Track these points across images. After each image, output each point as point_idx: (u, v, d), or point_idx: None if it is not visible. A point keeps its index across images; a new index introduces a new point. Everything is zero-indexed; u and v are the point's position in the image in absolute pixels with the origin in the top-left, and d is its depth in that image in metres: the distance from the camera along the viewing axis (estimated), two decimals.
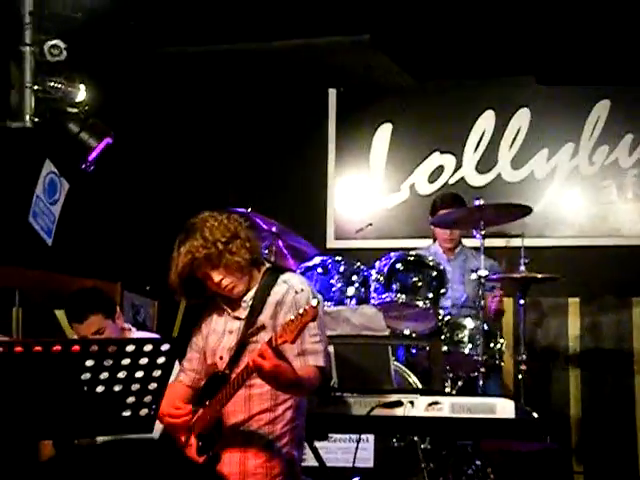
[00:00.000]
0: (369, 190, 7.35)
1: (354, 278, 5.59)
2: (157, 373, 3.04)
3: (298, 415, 3.73)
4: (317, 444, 4.51)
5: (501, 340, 5.79)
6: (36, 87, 4.87)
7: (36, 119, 4.88)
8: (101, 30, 5.80)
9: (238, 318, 3.74)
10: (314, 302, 3.36)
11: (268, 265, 3.85)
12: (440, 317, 5.64)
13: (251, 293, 3.73)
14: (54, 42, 4.82)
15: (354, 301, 5.53)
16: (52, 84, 4.90)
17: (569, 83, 6.85)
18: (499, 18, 6.05)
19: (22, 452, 4.08)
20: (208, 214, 3.74)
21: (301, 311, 3.32)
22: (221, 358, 3.73)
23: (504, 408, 4.10)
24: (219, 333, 3.78)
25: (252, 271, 3.74)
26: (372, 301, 5.53)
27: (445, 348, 5.60)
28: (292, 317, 3.33)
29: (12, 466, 3.89)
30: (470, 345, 5.65)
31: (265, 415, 3.66)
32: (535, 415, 5.43)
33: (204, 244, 3.60)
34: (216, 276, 3.66)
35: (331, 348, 4.81)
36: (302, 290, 3.67)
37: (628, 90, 6.85)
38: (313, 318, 3.30)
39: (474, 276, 5.77)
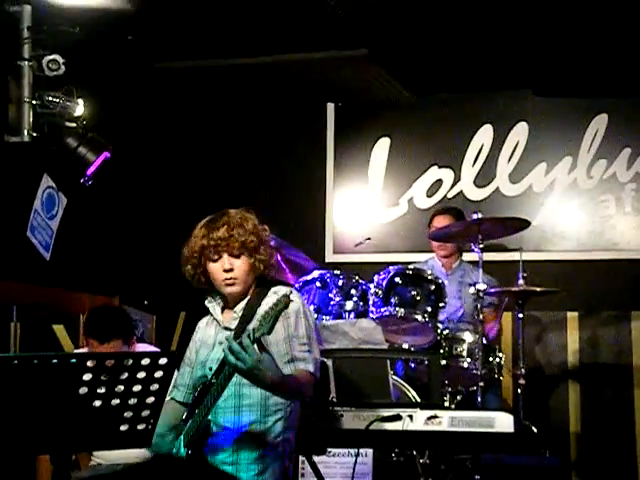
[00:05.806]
0: (368, 204, 7.35)
1: (353, 292, 5.59)
2: (155, 387, 3.03)
3: (289, 426, 3.72)
4: (316, 459, 4.48)
5: (500, 354, 5.79)
6: (34, 102, 4.88)
7: (34, 134, 4.89)
8: (99, 45, 5.82)
9: (228, 329, 3.75)
10: (288, 291, 3.51)
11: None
12: (439, 331, 5.63)
13: (242, 304, 3.75)
14: (52, 57, 4.84)
15: (353, 315, 5.53)
16: (50, 99, 4.91)
17: (566, 95, 6.86)
18: (496, 32, 6.06)
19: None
20: (248, 214, 3.77)
21: (276, 302, 3.36)
22: (210, 369, 3.74)
23: (503, 422, 4.07)
24: (210, 346, 3.80)
25: (252, 282, 3.77)
26: (371, 315, 5.53)
27: (444, 362, 5.59)
28: (267, 309, 3.36)
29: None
30: (469, 359, 5.65)
31: (255, 426, 3.65)
32: (534, 429, 5.44)
33: (248, 231, 3.66)
34: (236, 262, 3.67)
35: (329, 362, 4.81)
36: (292, 300, 3.68)
37: (626, 103, 6.86)
38: (286, 305, 3.34)
39: (472, 290, 5.77)
